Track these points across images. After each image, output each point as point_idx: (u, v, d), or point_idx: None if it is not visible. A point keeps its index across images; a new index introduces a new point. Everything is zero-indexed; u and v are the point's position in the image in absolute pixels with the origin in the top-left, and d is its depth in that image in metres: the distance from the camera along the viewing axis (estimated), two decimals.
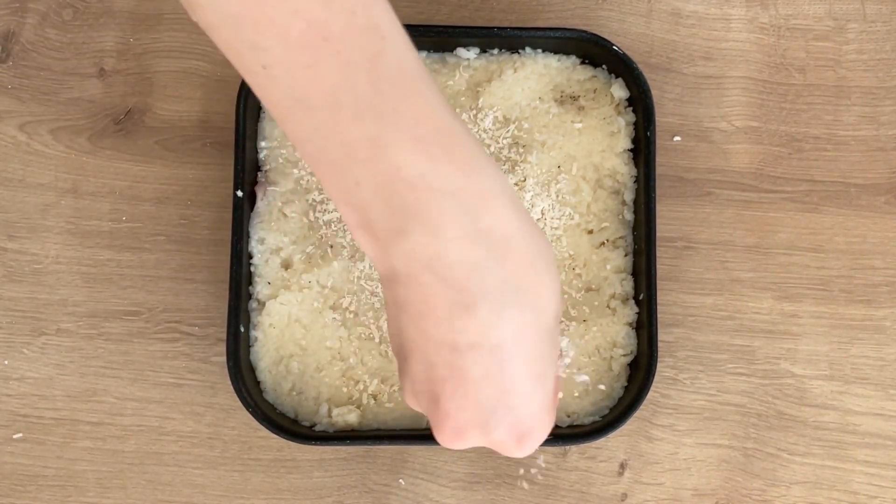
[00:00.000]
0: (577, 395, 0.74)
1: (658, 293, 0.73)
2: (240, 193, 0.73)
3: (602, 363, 0.74)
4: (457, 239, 0.49)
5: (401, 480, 0.76)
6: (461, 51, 0.76)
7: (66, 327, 0.77)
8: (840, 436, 0.76)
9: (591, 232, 0.75)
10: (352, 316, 0.74)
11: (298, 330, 0.73)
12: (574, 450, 0.76)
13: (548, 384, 0.55)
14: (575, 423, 0.73)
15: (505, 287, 0.51)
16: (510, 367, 0.52)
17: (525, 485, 0.76)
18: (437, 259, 0.50)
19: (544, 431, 0.56)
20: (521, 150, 0.75)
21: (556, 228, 0.74)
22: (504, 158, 0.75)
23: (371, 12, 0.48)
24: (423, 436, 0.72)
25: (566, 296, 0.74)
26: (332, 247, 0.74)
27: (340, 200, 0.50)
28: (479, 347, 0.51)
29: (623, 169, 0.75)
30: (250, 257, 0.74)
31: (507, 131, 0.75)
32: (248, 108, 0.74)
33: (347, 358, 0.73)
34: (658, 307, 0.73)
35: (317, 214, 0.74)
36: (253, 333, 0.74)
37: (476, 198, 0.50)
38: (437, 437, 0.55)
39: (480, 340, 0.51)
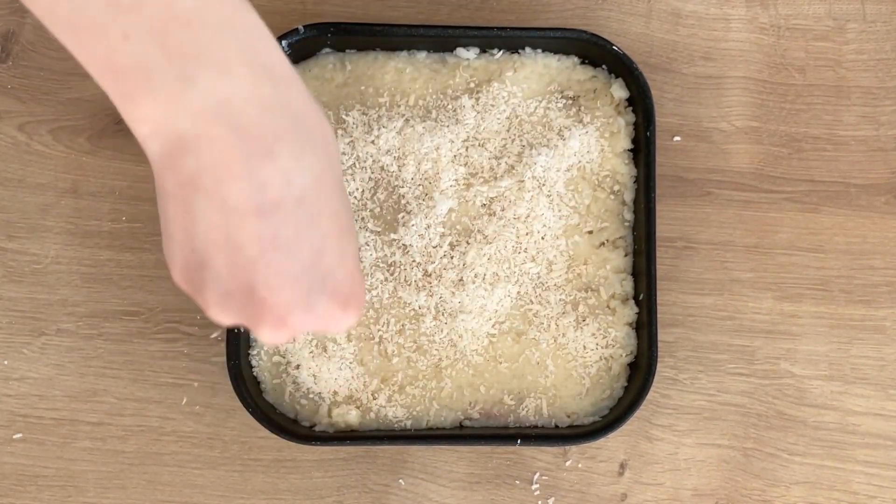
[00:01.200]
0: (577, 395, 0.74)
1: (658, 293, 0.73)
2: None
3: (602, 363, 0.74)
4: (244, 76, 0.47)
5: (401, 480, 0.76)
6: (461, 51, 0.76)
7: (66, 327, 0.77)
8: (840, 436, 0.76)
9: (590, 232, 0.75)
10: None
11: None
12: (574, 450, 0.76)
13: (354, 240, 0.53)
14: (575, 423, 0.73)
15: (297, 129, 0.48)
16: (318, 222, 0.49)
17: (525, 485, 0.76)
18: (228, 104, 0.46)
19: (362, 292, 0.54)
20: (520, 150, 0.75)
21: (555, 228, 0.74)
22: (504, 158, 0.75)
23: None
24: (423, 436, 0.72)
25: (567, 295, 0.74)
26: None
27: (106, 69, 0.46)
28: (284, 204, 0.48)
29: (623, 169, 0.75)
30: None
31: (507, 131, 0.75)
32: None
33: (348, 358, 0.73)
34: (658, 307, 0.73)
35: None
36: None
37: (250, 32, 0.47)
38: (260, 334, 0.51)
39: (284, 194, 0.48)
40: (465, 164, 0.75)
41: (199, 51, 0.45)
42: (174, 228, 0.50)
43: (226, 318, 0.51)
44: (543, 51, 0.76)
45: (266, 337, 0.51)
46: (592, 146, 0.75)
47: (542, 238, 0.74)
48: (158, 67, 0.45)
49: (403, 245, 0.74)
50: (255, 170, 0.47)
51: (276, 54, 0.49)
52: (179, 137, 0.47)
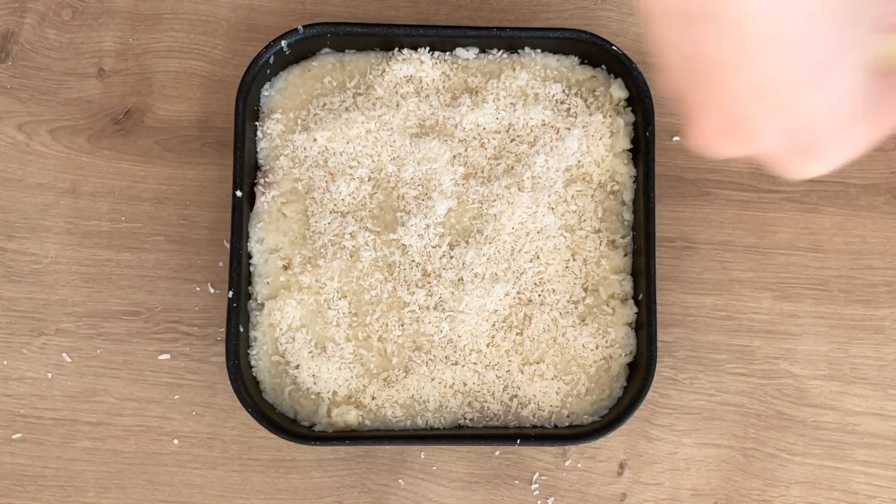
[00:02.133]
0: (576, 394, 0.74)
1: (657, 293, 0.73)
2: (239, 193, 0.73)
3: (601, 363, 0.74)
4: None
5: (400, 480, 0.76)
6: (460, 51, 0.76)
7: (66, 327, 0.76)
8: (839, 436, 0.76)
9: (590, 232, 0.75)
10: (352, 316, 0.74)
11: (298, 330, 0.73)
12: (574, 450, 0.76)
13: (844, 79, 0.39)
14: (574, 423, 0.73)
15: None
16: (761, 49, 0.37)
17: (524, 485, 0.76)
18: None
19: (842, 144, 0.40)
20: (519, 150, 0.75)
21: (554, 228, 0.74)
22: (503, 158, 0.75)
23: None
24: (422, 436, 0.72)
25: (567, 295, 0.74)
26: (331, 247, 0.74)
27: None
28: (713, 17, 0.38)
29: (622, 169, 0.75)
30: (250, 257, 0.74)
31: (506, 131, 0.75)
32: (247, 108, 0.74)
33: (347, 358, 0.73)
34: (657, 307, 0.73)
35: (316, 215, 0.74)
36: (252, 333, 0.74)
37: None
38: (692, 146, 0.43)
39: (712, 6, 0.37)
40: (464, 164, 0.75)
41: None
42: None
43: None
44: (543, 51, 0.76)
45: (699, 151, 0.44)
46: (592, 146, 0.75)
47: (542, 238, 0.74)
48: None
49: (403, 245, 0.74)
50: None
51: None
52: None
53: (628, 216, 0.75)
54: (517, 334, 0.74)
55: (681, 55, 0.40)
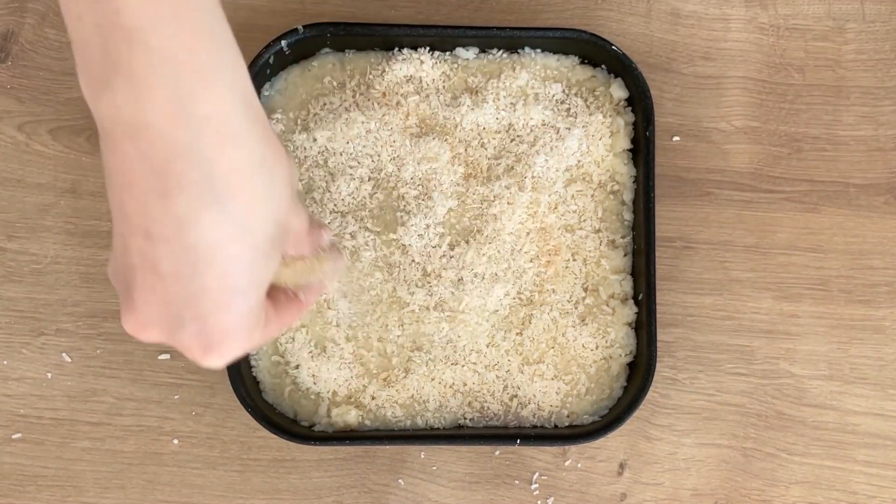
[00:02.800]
0: (576, 394, 0.74)
1: (657, 293, 0.73)
2: None
3: (601, 363, 0.74)
4: (165, 115, 0.44)
5: (400, 480, 0.76)
6: (460, 51, 0.76)
7: (66, 327, 0.76)
8: (839, 436, 0.76)
9: (590, 232, 0.75)
10: (352, 316, 0.74)
11: (298, 330, 0.73)
12: (574, 450, 0.76)
13: (247, 301, 0.51)
14: (574, 423, 0.73)
15: (210, 186, 0.46)
16: (203, 274, 0.48)
17: (524, 485, 0.76)
18: (140, 129, 0.45)
19: (233, 349, 0.52)
20: (519, 151, 0.75)
21: (554, 228, 0.74)
22: (503, 158, 0.75)
23: None
24: (422, 436, 0.72)
25: (567, 295, 0.74)
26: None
27: (70, 34, 0.46)
28: (171, 242, 0.47)
29: (622, 169, 0.75)
30: None
31: (507, 131, 0.75)
32: None
33: (347, 358, 0.73)
34: (657, 307, 0.73)
35: (316, 215, 0.74)
36: None
37: (197, 76, 0.45)
38: (123, 322, 0.52)
39: (173, 236, 0.47)
40: (465, 164, 0.75)
41: (127, 67, 0.44)
42: (106, 181, 0.51)
43: (113, 282, 0.53)
44: (543, 51, 0.76)
45: (126, 329, 0.52)
46: (592, 146, 0.75)
47: (542, 238, 0.74)
48: (94, 60, 0.45)
49: (402, 245, 0.74)
50: (149, 203, 0.47)
51: (226, 108, 0.46)
52: (101, 128, 0.47)
53: (628, 216, 0.75)
54: (517, 334, 0.74)
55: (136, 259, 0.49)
